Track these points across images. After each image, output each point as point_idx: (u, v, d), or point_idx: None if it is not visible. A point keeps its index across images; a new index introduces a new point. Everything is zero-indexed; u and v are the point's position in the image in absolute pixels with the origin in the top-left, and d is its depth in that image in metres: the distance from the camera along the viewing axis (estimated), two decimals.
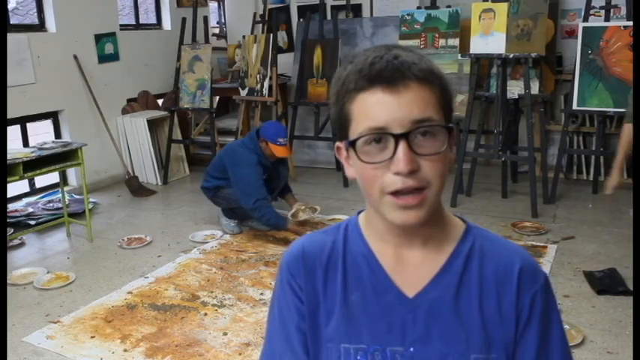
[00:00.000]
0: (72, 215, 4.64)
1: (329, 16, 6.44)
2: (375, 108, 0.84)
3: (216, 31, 7.64)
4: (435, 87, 0.86)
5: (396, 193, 0.85)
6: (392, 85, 0.83)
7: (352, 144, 0.87)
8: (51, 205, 4.93)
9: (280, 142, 4.21)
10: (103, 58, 5.83)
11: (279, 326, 1.02)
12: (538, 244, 4.04)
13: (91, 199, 4.89)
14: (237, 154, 4.26)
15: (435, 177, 0.85)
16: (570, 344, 2.70)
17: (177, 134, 6.20)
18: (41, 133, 6.17)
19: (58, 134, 5.58)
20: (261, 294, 3.40)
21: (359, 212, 1.02)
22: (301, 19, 6.64)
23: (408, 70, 0.84)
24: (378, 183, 0.86)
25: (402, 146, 0.83)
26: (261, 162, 4.22)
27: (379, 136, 0.84)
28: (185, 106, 5.98)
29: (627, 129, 3.13)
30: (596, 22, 4.90)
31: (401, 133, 0.83)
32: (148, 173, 5.98)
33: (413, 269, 0.94)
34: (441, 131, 0.85)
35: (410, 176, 0.83)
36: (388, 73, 0.83)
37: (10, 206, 4.89)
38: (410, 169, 0.83)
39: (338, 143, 0.93)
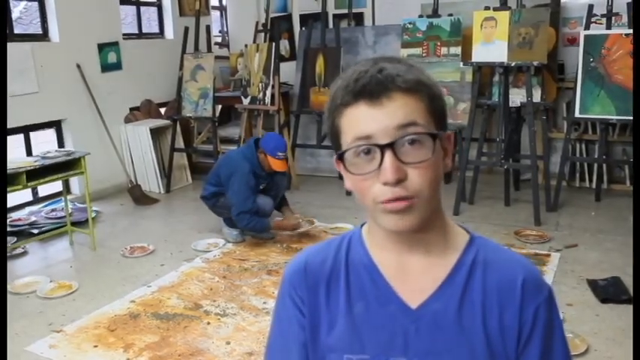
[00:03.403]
0: (75, 224, 4.64)
1: (331, 25, 6.46)
2: (360, 120, 0.86)
3: (219, 39, 7.66)
4: (422, 95, 0.87)
5: (386, 201, 0.86)
6: (375, 99, 0.85)
7: (341, 157, 0.89)
8: (54, 213, 4.94)
9: (279, 155, 4.20)
10: (106, 67, 5.86)
11: (279, 339, 1.02)
12: (541, 252, 4.03)
13: (93, 208, 4.89)
14: (231, 161, 4.29)
15: (424, 185, 0.86)
16: (574, 353, 2.69)
17: (180, 143, 6.21)
18: (44, 142, 6.18)
19: (61, 143, 5.60)
20: (264, 303, 3.40)
21: (362, 225, 1.03)
22: (303, 28, 6.65)
23: (392, 82, 0.85)
24: (369, 194, 0.87)
25: (388, 156, 0.84)
26: (254, 171, 4.21)
27: (367, 147, 0.85)
28: (188, 115, 6.00)
29: None
30: (597, 30, 4.91)
31: (386, 144, 0.84)
32: (151, 182, 5.99)
33: (415, 279, 0.94)
34: (428, 138, 0.86)
35: (398, 185, 0.84)
36: (371, 88, 0.85)
37: (13, 215, 4.90)
38: (396, 179, 0.84)
39: (335, 156, 0.94)
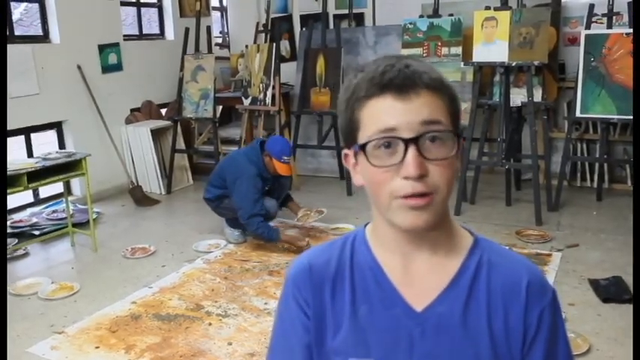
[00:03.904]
0: (76, 225, 4.64)
1: (331, 25, 6.46)
2: (385, 113, 0.85)
3: (219, 40, 7.66)
4: (444, 95, 0.87)
5: (405, 196, 0.85)
6: (403, 93, 0.85)
7: (362, 147, 0.87)
8: (55, 215, 4.94)
9: (284, 159, 4.19)
10: (107, 69, 5.86)
11: (282, 341, 1.02)
12: (542, 252, 4.03)
13: (95, 209, 4.89)
14: (237, 164, 4.26)
15: (443, 183, 0.86)
16: (576, 353, 2.69)
17: (181, 144, 6.21)
18: (45, 143, 6.19)
19: (62, 144, 5.60)
20: (266, 304, 3.39)
21: (365, 225, 1.02)
22: (304, 28, 6.66)
23: (419, 78, 0.85)
24: (387, 187, 0.86)
25: (411, 150, 0.83)
26: (261, 174, 4.20)
27: (389, 140, 0.85)
28: (188, 116, 6.00)
29: None
30: (598, 29, 4.90)
31: (410, 138, 0.84)
32: (152, 183, 5.99)
33: (420, 281, 0.94)
34: (450, 137, 0.86)
35: (419, 181, 0.84)
36: (399, 81, 0.85)
37: (15, 216, 4.90)
38: (419, 174, 0.83)
39: (346, 150, 0.93)
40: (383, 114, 0.85)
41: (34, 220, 4.82)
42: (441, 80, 0.88)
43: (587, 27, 4.84)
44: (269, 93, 5.75)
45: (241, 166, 4.20)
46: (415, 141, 0.84)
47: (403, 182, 0.84)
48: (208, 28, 6.16)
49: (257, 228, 4.09)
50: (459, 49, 5.36)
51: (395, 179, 0.85)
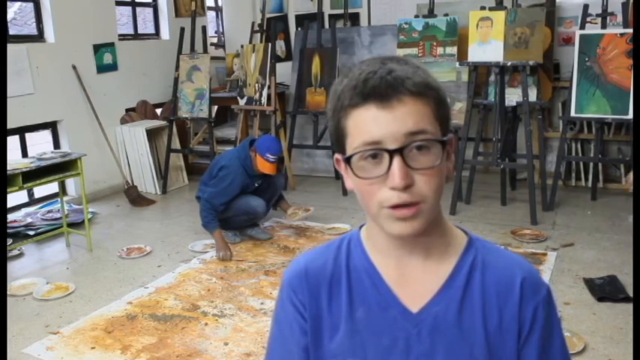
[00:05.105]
0: (71, 225, 4.63)
1: (327, 25, 6.46)
2: (369, 124, 0.85)
3: (215, 40, 7.66)
4: (430, 100, 0.86)
5: (392, 206, 0.85)
6: (385, 101, 0.84)
7: (348, 160, 0.87)
8: (50, 215, 4.92)
9: (268, 157, 4.18)
10: (102, 68, 5.84)
11: (279, 344, 1.02)
12: (537, 251, 4.04)
13: (90, 209, 4.88)
14: (224, 159, 4.35)
15: (430, 192, 0.85)
16: (571, 352, 2.70)
17: (176, 144, 6.20)
18: (40, 144, 6.17)
19: (57, 144, 5.58)
20: (262, 303, 3.39)
21: (360, 227, 1.02)
22: (299, 28, 6.66)
23: (402, 85, 0.84)
24: (375, 198, 0.86)
25: (396, 161, 0.83)
26: (246, 170, 4.25)
27: (374, 151, 0.85)
28: (184, 116, 5.99)
29: None
30: (592, 29, 4.92)
31: (395, 149, 0.83)
32: (147, 183, 5.98)
33: (416, 282, 0.94)
34: (436, 145, 0.86)
35: (405, 191, 0.84)
36: (382, 90, 0.84)
37: (9, 216, 4.87)
38: (405, 184, 0.83)
39: (336, 155, 0.93)
40: (367, 125, 0.85)
41: (29, 220, 4.80)
42: (425, 84, 0.86)
43: (582, 27, 4.85)
44: (265, 93, 5.75)
45: (227, 161, 4.29)
46: (400, 151, 0.83)
47: (390, 193, 0.84)
48: (204, 28, 6.15)
49: (203, 210, 4.19)
50: (454, 49, 5.38)
51: (382, 189, 0.85)
